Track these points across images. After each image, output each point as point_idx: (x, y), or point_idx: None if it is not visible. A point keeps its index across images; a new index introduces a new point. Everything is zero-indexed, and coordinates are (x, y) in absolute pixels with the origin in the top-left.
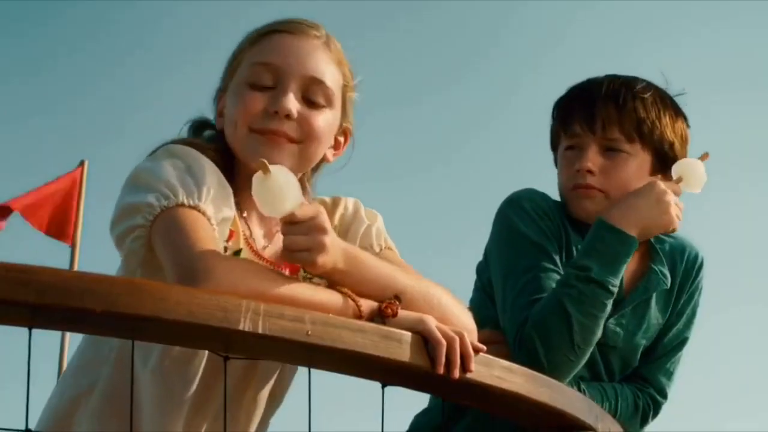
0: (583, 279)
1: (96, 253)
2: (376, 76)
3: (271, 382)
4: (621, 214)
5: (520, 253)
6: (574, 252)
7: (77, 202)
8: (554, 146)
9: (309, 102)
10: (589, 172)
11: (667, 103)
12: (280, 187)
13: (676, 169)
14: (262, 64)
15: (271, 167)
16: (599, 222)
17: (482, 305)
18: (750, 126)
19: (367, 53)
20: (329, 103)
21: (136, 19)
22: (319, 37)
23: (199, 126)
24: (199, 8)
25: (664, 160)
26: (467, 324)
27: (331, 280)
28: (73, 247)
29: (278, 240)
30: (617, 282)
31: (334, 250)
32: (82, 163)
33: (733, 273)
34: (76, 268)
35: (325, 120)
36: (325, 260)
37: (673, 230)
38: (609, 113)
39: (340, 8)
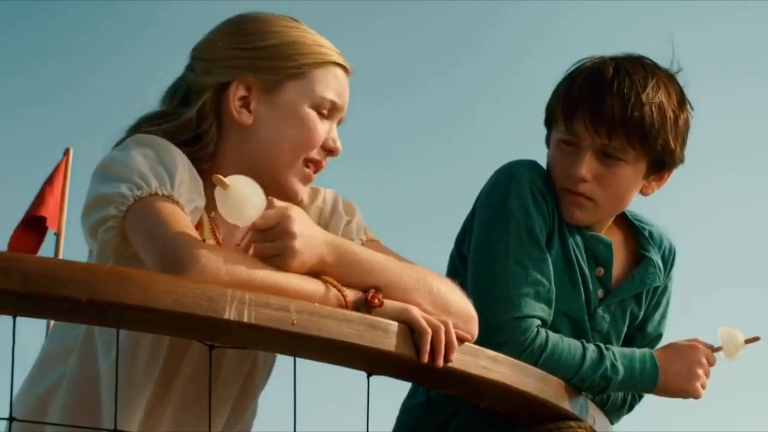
0: (606, 374)
1: (81, 241)
2: (367, 67)
3: (244, 371)
4: (667, 358)
5: (512, 238)
6: (557, 232)
7: (63, 190)
8: (548, 124)
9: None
10: (582, 180)
11: (674, 98)
12: (240, 197)
13: (721, 337)
14: (329, 101)
15: (229, 179)
16: (653, 356)
17: (456, 275)
18: (743, 112)
19: (358, 43)
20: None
21: (128, 15)
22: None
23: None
24: (191, 7)
25: (660, 165)
26: (468, 311)
27: (323, 274)
28: (58, 235)
29: None
30: (613, 390)
31: (312, 248)
32: (67, 152)
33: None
34: (61, 256)
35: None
36: (303, 260)
37: (694, 398)
38: (615, 122)
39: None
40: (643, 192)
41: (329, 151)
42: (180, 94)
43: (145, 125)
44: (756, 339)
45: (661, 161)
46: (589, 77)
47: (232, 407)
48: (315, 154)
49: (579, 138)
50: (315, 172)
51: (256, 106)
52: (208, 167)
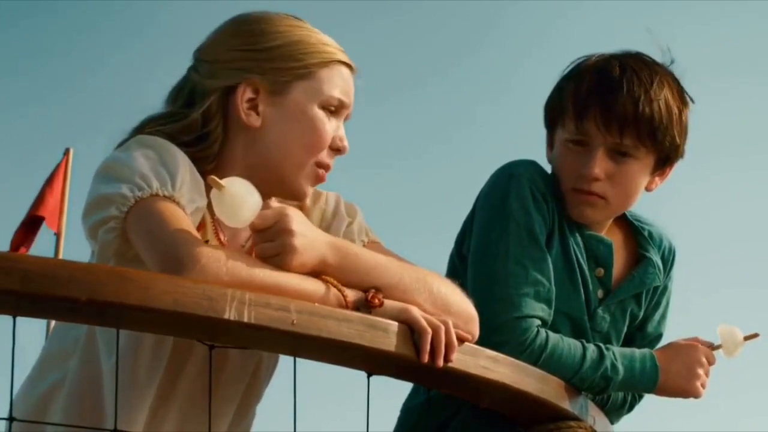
0: (606, 374)
1: (81, 241)
2: (367, 67)
3: (247, 372)
4: (667, 358)
5: (512, 238)
6: (557, 232)
7: (63, 190)
8: (551, 123)
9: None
10: (596, 179)
11: (675, 94)
12: (235, 198)
13: (721, 335)
14: (337, 99)
15: (224, 180)
16: (653, 356)
17: (456, 275)
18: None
19: (358, 43)
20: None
21: (128, 15)
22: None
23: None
24: (191, 7)
25: (665, 160)
26: (468, 311)
27: (324, 274)
28: (58, 235)
29: None
30: (614, 390)
31: (313, 249)
32: (67, 152)
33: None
34: (61, 256)
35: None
36: (303, 260)
37: (695, 397)
38: (628, 120)
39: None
40: (647, 188)
41: (336, 150)
42: (184, 95)
43: (148, 126)
44: (755, 336)
45: (667, 156)
46: (596, 76)
47: (236, 408)
48: (324, 155)
49: (590, 137)
50: (325, 172)
51: (264, 108)
52: (212, 168)
